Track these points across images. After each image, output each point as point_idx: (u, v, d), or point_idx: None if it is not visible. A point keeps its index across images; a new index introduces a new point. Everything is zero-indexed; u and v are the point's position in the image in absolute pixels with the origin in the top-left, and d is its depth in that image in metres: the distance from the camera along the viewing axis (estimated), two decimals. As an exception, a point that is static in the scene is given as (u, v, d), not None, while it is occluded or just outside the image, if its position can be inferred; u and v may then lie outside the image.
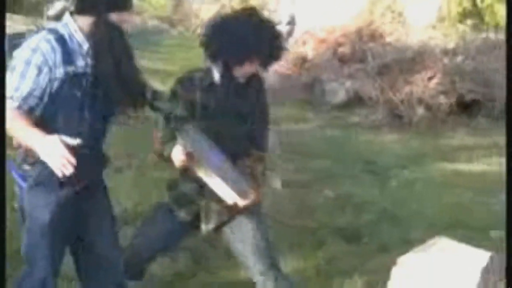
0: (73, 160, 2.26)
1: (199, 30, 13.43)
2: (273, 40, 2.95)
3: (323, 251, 4.27)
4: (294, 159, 6.55)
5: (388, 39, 12.35)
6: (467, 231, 4.19)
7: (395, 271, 3.23)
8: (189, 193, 2.99)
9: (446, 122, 9.80)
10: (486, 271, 3.13)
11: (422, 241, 3.36)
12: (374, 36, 12.24)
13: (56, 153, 2.25)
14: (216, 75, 2.96)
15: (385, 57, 10.82)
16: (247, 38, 2.83)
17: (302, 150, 7.16)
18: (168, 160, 2.86)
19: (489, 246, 3.34)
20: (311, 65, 11.35)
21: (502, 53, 11.80)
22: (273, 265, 3.04)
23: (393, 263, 3.24)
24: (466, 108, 10.33)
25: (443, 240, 3.42)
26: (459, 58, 10.67)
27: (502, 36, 21.18)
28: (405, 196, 5.79)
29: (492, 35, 17.52)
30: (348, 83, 10.59)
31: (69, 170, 2.26)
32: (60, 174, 2.28)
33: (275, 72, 11.03)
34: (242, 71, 2.94)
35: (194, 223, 3.07)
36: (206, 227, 3.03)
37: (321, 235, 4.56)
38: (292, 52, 11.97)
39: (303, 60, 11.63)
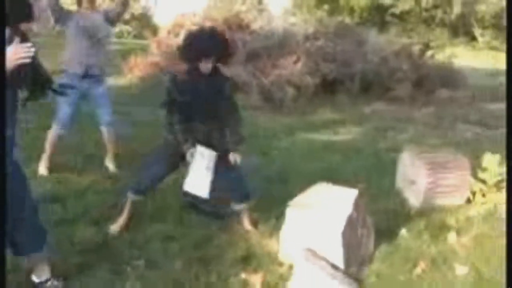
0: None
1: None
2: (223, 45, 4.33)
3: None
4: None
5: (254, 27, 13.24)
6: (339, 186, 5.05)
7: (289, 212, 4.13)
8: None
9: (312, 100, 10.88)
10: (356, 204, 4.10)
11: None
12: (241, 25, 13.09)
13: None
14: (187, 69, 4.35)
15: (254, 45, 11.73)
16: (206, 46, 4.20)
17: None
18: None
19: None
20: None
21: (355, 35, 13.13)
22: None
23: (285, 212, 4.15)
24: (329, 86, 11.50)
25: (323, 184, 4.37)
26: (319, 42, 11.75)
27: (356, 19, 22.83)
28: (286, 162, 6.73)
29: (347, 19, 19.01)
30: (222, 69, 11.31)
31: None
32: None
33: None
34: (205, 67, 4.26)
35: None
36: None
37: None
38: (167, 44, 12.67)
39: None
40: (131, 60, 12.50)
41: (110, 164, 6.19)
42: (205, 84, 4.33)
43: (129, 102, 9.88)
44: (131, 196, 4.64)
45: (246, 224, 4.75)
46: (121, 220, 4.63)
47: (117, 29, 20.17)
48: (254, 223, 4.78)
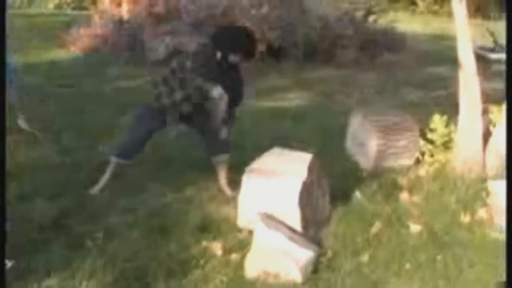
0: None
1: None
2: (251, 44, 4.99)
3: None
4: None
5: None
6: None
7: (245, 178, 4.16)
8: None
9: (259, 68, 10.88)
10: (310, 167, 4.16)
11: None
12: (185, -6, 12.89)
13: None
14: (218, 56, 4.84)
15: (199, 14, 11.60)
16: (236, 41, 4.84)
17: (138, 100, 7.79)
18: None
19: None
20: (129, 26, 11.85)
21: (299, 2, 13.12)
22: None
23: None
24: (274, 53, 11.52)
25: (277, 150, 4.42)
26: (264, 9, 11.70)
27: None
28: (236, 129, 6.70)
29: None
30: (167, 39, 11.16)
31: None
32: None
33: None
34: (233, 58, 4.80)
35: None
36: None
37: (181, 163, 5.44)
38: (109, 14, 12.45)
39: (121, 21, 12.11)
40: (74, 32, 12.20)
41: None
42: (229, 69, 4.84)
43: (73, 75, 9.67)
44: (114, 160, 4.85)
45: (223, 182, 4.97)
46: (102, 181, 4.83)
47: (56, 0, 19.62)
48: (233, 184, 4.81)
